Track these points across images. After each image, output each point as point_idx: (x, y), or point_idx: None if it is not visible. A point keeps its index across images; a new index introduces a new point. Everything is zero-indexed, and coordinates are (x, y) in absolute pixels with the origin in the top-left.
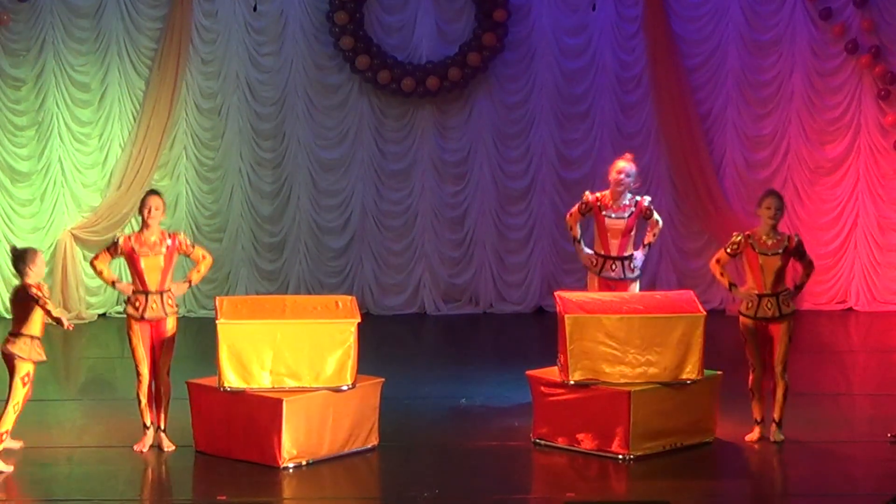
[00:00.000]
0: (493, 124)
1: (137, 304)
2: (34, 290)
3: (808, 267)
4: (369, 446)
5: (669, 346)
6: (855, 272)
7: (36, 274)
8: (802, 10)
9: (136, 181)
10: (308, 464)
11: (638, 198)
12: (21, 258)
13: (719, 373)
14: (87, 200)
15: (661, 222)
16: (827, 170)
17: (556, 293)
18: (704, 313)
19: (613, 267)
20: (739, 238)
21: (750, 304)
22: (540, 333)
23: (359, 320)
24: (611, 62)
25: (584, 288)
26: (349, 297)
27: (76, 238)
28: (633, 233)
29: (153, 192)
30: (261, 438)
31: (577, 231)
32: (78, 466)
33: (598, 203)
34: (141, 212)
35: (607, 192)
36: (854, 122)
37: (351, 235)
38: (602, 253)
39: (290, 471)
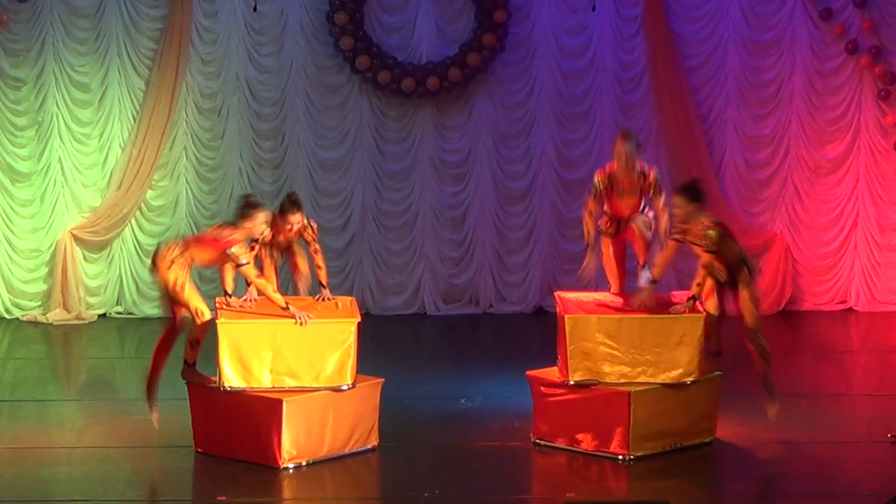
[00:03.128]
0: (493, 124)
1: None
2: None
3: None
4: (369, 447)
5: (669, 347)
6: (855, 272)
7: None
8: (802, 11)
9: (136, 181)
10: (308, 464)
11: (646, 169)
12: None
13: (719, 373)
14: (87, 201)
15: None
16: (827, 170)
17: (555, 293)
18: (704, 314)
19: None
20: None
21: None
22: (540, 334)
23: (359, 320)
24: (611, 62)
25: (586, 286)
26: (349, 298)
27: (76, 238)
28: (644, 199)
29: (299, 207)
30: (261, 439)
31: (593, 232)
32: (78, 467)
33: (609, 178)
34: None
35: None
36: (854, 122)
37: (351, 236)
38: (614, 214)
39: (290, 471)
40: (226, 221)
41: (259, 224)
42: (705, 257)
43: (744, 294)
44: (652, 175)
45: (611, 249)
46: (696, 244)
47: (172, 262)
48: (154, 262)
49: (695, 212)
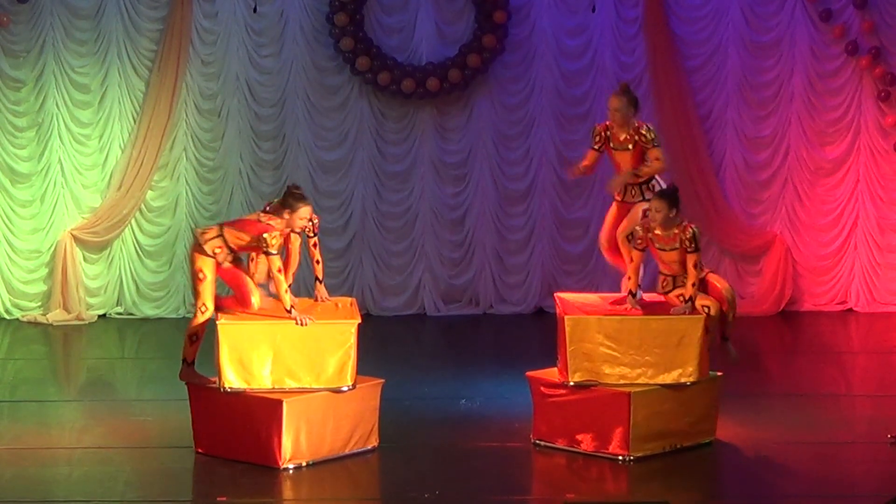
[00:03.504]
0: (493, 126)
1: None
2: None
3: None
4: (369, 447)
5: (669, 348)
6: (855, 273)
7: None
8: (802, 12)
9: (136, 182)
10: (308, 465)
11: (639, 126)
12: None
13: (719, 374)
14: (87, 201)
15: (662, 159)
16: (827, 171)
17: (555, 294)
18: (704, 315)
19: (633, 192)
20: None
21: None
22: (540, 334)
23: (359, 321)
24: (611, 63)
25: (586, 287)
26: (349, 299)
27: (76, 239)
28: (642, 156)
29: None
30: (261, 439)
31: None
32: (77, 468)
33: (607, 130)
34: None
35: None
36: (854, 123)
37: (351, 236)
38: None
39: (291, 472)
40: (265, 211)
41: (300, 219)
42: (692, 258)
43: (711, 276)
44: (643, 130)
45: (612, 215)
46: (667, 249)
47: (205, 243)
48: (192, 245)
49: (674, 218)
